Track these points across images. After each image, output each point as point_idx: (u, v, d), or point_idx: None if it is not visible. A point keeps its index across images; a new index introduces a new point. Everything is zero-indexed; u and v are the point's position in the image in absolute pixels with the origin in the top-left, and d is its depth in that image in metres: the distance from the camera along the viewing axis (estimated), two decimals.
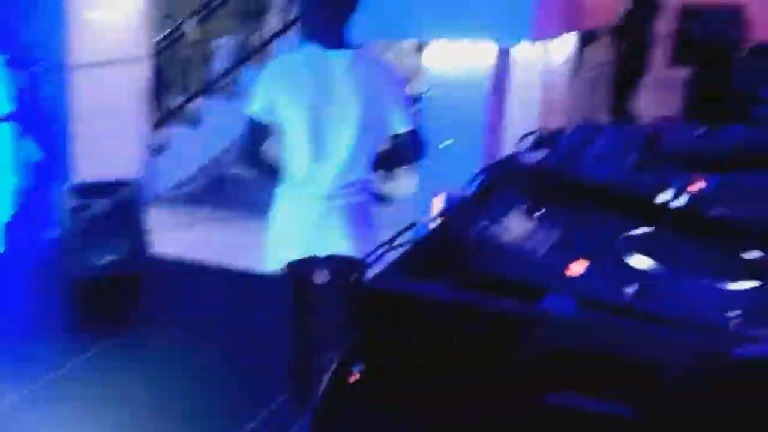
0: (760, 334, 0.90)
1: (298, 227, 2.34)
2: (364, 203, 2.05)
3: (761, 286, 1.00)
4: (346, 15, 2.14)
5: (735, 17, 5.71)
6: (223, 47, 5.57)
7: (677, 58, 6.80)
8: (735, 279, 1.02)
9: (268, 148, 2.23)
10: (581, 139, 1.45)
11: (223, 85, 5.21)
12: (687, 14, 6.77)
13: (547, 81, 5.77)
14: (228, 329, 2.96)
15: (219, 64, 5.49)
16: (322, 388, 1.06)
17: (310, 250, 2.26)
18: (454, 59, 4.73)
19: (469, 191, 1.31)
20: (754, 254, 1.10)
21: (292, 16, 5.20)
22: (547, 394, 0.94)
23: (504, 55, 4.69)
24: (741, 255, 1.10)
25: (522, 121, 5.06)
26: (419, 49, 6.12)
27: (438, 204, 1.24)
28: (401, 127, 1.88)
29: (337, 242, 2.25)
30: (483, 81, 4.63)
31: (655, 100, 6.28)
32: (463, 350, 0.97)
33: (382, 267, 1.04)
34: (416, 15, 4.57)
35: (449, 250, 1.07)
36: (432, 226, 1.14)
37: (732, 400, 0.85)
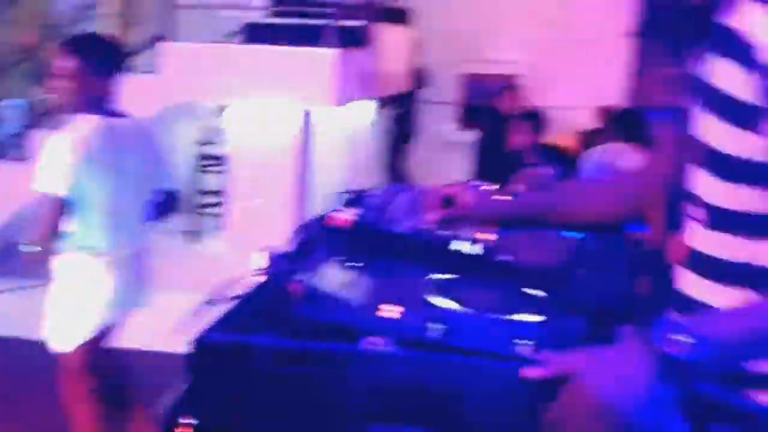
0: (544, 358, 1.05)
1: (110, 292, 2.36)
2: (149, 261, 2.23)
3: (544, 319, 1.16)
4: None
5: (510, 85, 6.29)
6: (13, 109, 5.34)
7: (465, 122, 7.37)
8: (523, 314, 1.17)
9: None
10: (389, 198, 1.59)
11: (12, 148, 5.01)
12: (471, 83, 7.39)
13: (351, 144, 6.04)
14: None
15: (8, 127, 5.26)
16: None
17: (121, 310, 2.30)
18: (257, 121, 4.83)
19: (289, 247, 1.40)
20: (537, 293, 1.27)
21: None
22: (369, 427, 1.03)
23: (306, 117, 4.87)
24: (526, 294, 1.27)
25: (328, 181, 5.24)
26: (221, 110, 6.16)
27: (259, 260, 1.32)
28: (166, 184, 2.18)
29: (141, 299, 2.36)
30: (287, 142, 4.77)
31: (449, 160, 6.76)
32: (291, 395, 1.05)
33: (207, 322, 1.10)
34: (216, 77, 4.64)
35: (273, 302, 1.15)
36: (254, 281, 1.22)
37: (522, 412, 0.99)
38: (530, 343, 1.12)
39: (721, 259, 1.12)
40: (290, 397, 1.05)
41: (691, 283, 1.18)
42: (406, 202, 1.52)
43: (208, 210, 6.66)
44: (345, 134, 5.86)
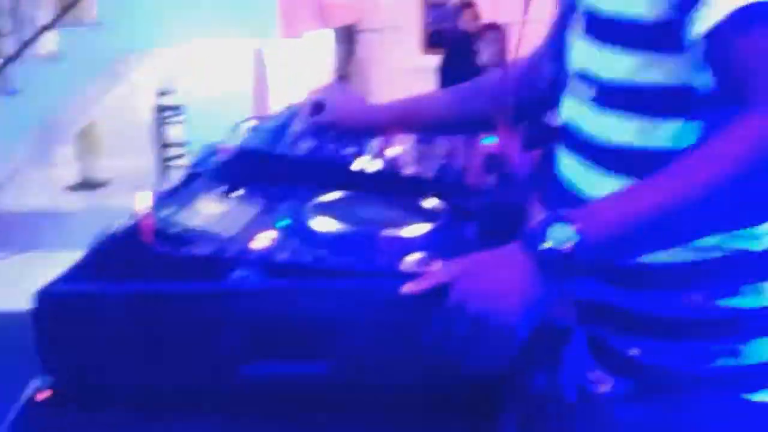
0: (425, 271, 0.95)
1: None
2: None
3: (434, 228, 1.07)
4: None
5: (467, 5, 6.14)
6: None
7: (429, 45, 7.21)
8: (412, 226, 1.08)
9: None
10: (287, 121, 1.47)
11: None
12: (431, 7, 7.21)
13: (307, 75, 5.89)
14: None
15: None
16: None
17: None
18: (210, 64, 4.69)
19: (176, 183, 1.29)
20: (431, 202, 1.17)
21: None
22: (244, 366, 0.94)
23: (259, 55, 4.72)
24: (420, 205, 1.17)
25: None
26: (177, 55, 5.97)
27: (143, 200, 1.21)
28: None
29: None
30: (242, 82, 4.63)
31: (414, 86, 6.59)
32: (152, 342, 0.96)
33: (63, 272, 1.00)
34: (166, 22, 4.49)
35: (137, 244, 1.05)
36: (125, 224, 1.11)
37: (406, 330, 0.90)
38: (418, 256, 1.02)
39: (611, 142, 1.03)
40: (151, 345, 0.96)
41: (576, 173, 1.09)
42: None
43: (175, 162, 6.55)
44: (300, 67, 5.70)
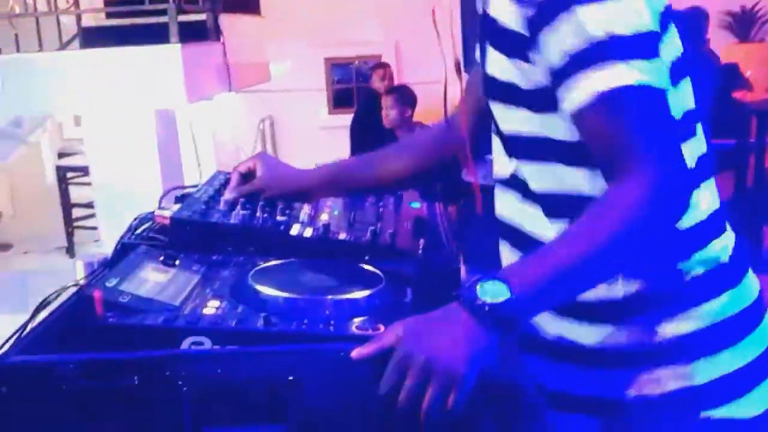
0: (372, 334, 1.01)
1: None
2: None
3: (372, 293, 1.13)
4: None
5: (379, 64, 6.30)
6: None
7: (338, 105, 7.35)
8: (354, 290, 1.13)
9: None
10: (216, 189, 1.52)
11: None
12: (337, 67, 7.36)
13: (217, 138, 5.90)
14: None
15: None
16: None
17: None
18: (114, 127, 4.63)
19: (112, 252, 1.31)
20: (368, 267, 1.23)
21: None
22: (204, 429, 0.96)
23: (168, 117, 4.70)
24: (359, 269, 1.23)
25: (202, 178, 5.09)
26: (78, 121, 5.88)
27: (78, 270, 1.23)
28: None
29: None
30: (147, 145, 4.59)
31: (323, 145, 6.71)
32: (107, 411, 0.97)
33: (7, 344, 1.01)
34: (69, 90, 4.43)
35: (85, 315, 1.06)
36: (67, 294, 1.12)
37: (357, 391, 0.96)
38: (360, 320, 1.08)
39: (532, 190, 1.13)
40: (105, 413, 0.97)
41: (515, 212, 1.18)
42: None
43: (82, 223, 6.40)
44: (213, 128, 5.71)
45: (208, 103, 4.95)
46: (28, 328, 1.07)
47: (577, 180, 1.10)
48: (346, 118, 6.37)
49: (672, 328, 1.10)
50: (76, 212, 6.39)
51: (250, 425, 0.99)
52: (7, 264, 6.32)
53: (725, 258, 1.13)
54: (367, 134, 5.60)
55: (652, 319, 1.11)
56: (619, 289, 1.10)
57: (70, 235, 6.44)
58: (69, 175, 6.38)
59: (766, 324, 1.16)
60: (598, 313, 1.12)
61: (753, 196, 4.89)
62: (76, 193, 6.35)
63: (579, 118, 1.03)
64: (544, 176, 1.13)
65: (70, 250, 6.43)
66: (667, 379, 1.11)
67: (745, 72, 5.94)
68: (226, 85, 4.89)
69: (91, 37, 4.53)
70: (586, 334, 1.14)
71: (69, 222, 6.42)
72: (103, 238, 4.88)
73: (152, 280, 1.16)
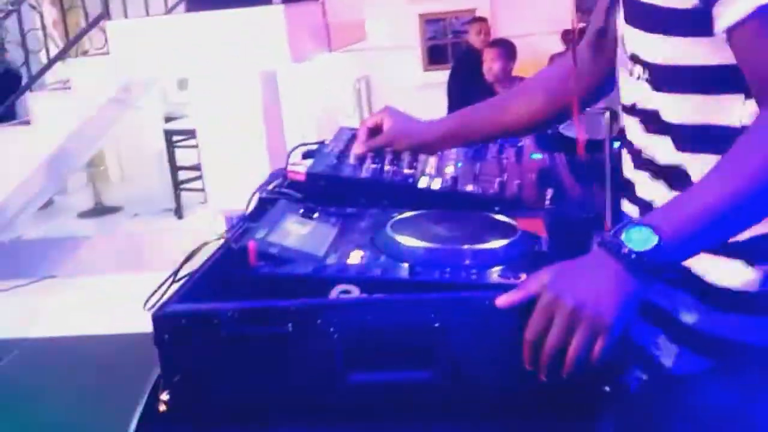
0: (515, 282, 1.02)
1: None
2: None
3: (510, 242, 1.13)
4: None
5: (475, 18, 6.22)
6: None
7: (430, 61, 7.30)
8: (492, 240, 1.14)
9: None
10: (344, 144, 1.55)
11: None
12: (430, 23, 7.29)
13: (319, 98, 5.96)
14: None
15: None
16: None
17: None
18: (220, 89, 4.74)
19: (248, 208, 1.36)
20: (502, 218, 1.23)
21: None
22: (352, 375, 1.00)
23: (270, 78, 4.79)
24: (493, 220, 1.24)
25: (301, 139, 5.18)
26: (183, 85, 6.05)
27: (218, 225, 1.28)
28: None
29: None
30: (252, 106, 4.69)
31: (421, 103, 6.69)
32: (266, 357, 1.02)
33: (170, 295, 1.07)
34: (174, 52, 4.55)
35: (235, 266, 1.12)
36: (214, 247, 1.18)
37: (502, 340, 0.96)
38: (499, 269, 1.09)
39: (672, 123, 1.10)
40: (265, 359, 1.02)
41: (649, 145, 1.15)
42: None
43: (188, 185, 6.62)
44: (311, 89, 5.77)
45: (306, 64, 5.00)
46: (177, 280, 1.13)
47: (722, 110, 1.05)
48: (440, 75, 6.33)
49: None
50: (183, 175, 6.61)
51: (397, 371, 1.02)
52: (118, 226, 6.62)
53: None
54: (466, 90, 5.55)
55: None
56: (759, 226, 1.04)
57: (177, 197, 6.67)
58: (175, 138, 6.59)
59: None
60: (732, 252, 1.08)
61: None
62: (182, 156, 6.57)
63: (735, 34, 0.98)
64: (681, 108, 1.09)
65: (178, 212, 6.67)
66: None
67: None
68: (325, 45, 4.94)
69: (196, 1, 4.63)
70: (725, 274, 1.10)
71: (176, 184, 6.65)
72: (210, 199, 5.05)
73: (295, 232, 1.20)
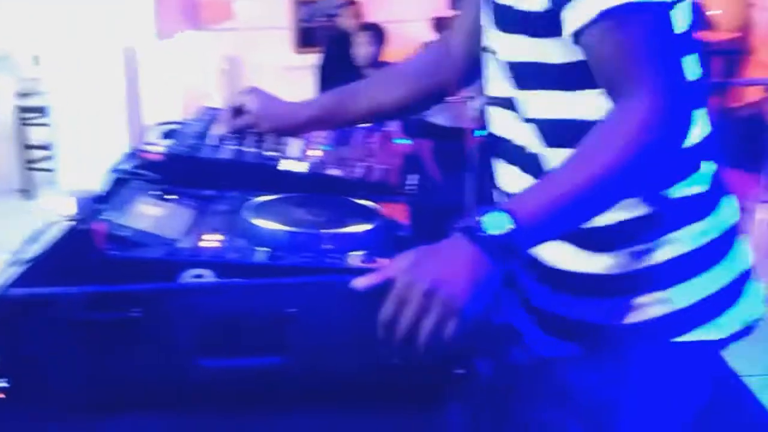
0: (373, 266, 1.01)
1: None
2: None
3: (371, 227, 1.13)
4: None
5: (349, 3, 6.19)
6: None
7: (301, 44, 7.23)
8: (353, 225, 1.13)
9: None
10: (206, 124, 1.50)
11: None
12: (302, 5, 7.22)
13: (183, 77, 5.78)
14: None
15: None
16: None
17: None
18: (78, 65, 4.51)
19: (101, 188, 1.29)
20: (366, 202, 1.23)
21: None
22: (203, 361, 0.97)
23: (133, 55, 4.59)
24: (356, 205, 1.23)
25: (162, 119, 5.00)
26: (37, 59, 5.71)
27: (67, 206, 1.21)
28: None
29: None
30: (112, 84, 4.49)
31: (289, 85, 6.60)
32: (109, 342, 0.97)
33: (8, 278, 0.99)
34: (28, 26, 4.29)
35: (83, 249, 1.05)
36: (61, 229, 1.11)
37: (359, 323, 0.96)
38: (361, 253, 1.09)
39: (533, 118, 1.13)
40: (112, 345, 0.97)
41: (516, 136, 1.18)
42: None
43: (38, 164, 6.27)
44: (176, 68, 5.59)
45: (170, 42, 4.83)
46: (20, 263, 1.06)
47: (576, 106, 1.09)
48: (311, 58, 6.27)
49: (657, 255, 1.13)
50: (35, 154, 6.25)
51: (250, 357, 0.99)
52: None
53: (707, 184, 1.15)
54: (337, 74, 5.53)
55: (640, 245, 1.13)
56: (612, 215, 1.10)
57: (27, 177, 6.32)
58: (27, 116, 6.22)
59: (738, 250, 1.19)
60: (588, 239, 1.13)
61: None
62: (36, 135, 6.21)
63: (583, 37, 1.02)
64: (542, 103, 1.12)
65: (28, 192, 6.31)
66: (648, 306, 1.14)
67: (707, 12, 5.98)
68: (192, 23, 4.79)
69: None
70: (578, 261, 1.15)
71: (26, 163, 6.29)
72: (62, 180, 4.80)
73: (148, 214, 1.15)
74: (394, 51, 5.67)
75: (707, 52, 5.01)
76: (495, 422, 1.16)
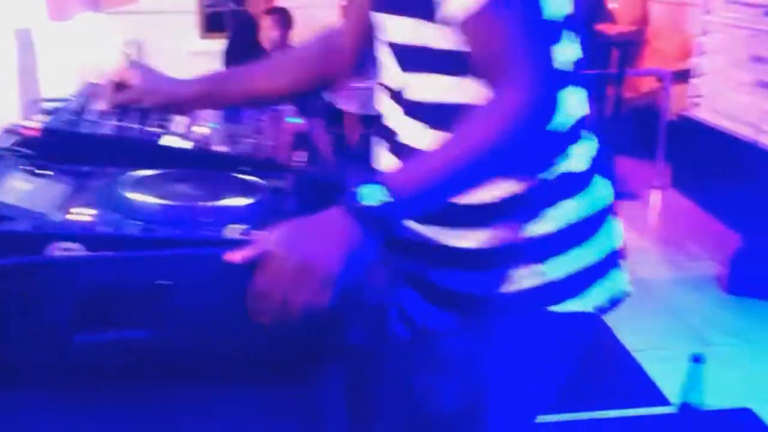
0: (249, 238, 1.01)
1: None
2: None
3: (254, 202, 1.12)
4: None
5: None
6: None
7: (207, 29, 7.10)
8: (233, 198, 1.12)
9: None
10: (87, 100, 1.45)
11: None
12: None
13: (81, 59, 5.58)
14: None
15: None
16: None
17: None
18: None
19: None
20: (249, 177, 1.22)
21: None
22: (75, 336, 0.95)
23: (25, 37, 4.41)
24: (239, 180, 1.22)
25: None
26: None
27: None
28: None
29: None
30: (7, 66, 4.30)
31: (194, 70, 6.47)
32: None
33: None
34: None
35: None
36: None
37: (233, 296, 0.95)
38: (239, 227, 1.08)
39: (417, 102, 1.15)
40: None
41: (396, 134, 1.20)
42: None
43: None
44: (75, 51, 5.40)
45: (69, 23, 4.66)
46: None
47: (458, 91, 1.12)
48: (217, 43, 6.17)
49: (530, 229, 1.17)
50: None
51: (122, 331, 0.98)
52: None
53: (585, 165, 1.19)
54: (244, 58, 5.45)
55: (514, 221, 1.17)
56: (486, 193, 1.14)
57: None
58: None
59: (610, 229, 1.24)
60: (466, 216, 1.17)
61: (610, 126, 5.14)
62: None
63: (456, 25, 1.05)
64: (427, 87, 1.14)
65: None
66: (523, 277, 1.18)
67: (608, 4, 6.17)
68: (92, 4, 4.62)
69: None
70: (456, 236, 1.18)
71: None
72: None
73: (18, 188, 1.11)
74: (301, 35, 5.63)
75: (606, 44, 5.16)
76: (372, 391, 1.17)
